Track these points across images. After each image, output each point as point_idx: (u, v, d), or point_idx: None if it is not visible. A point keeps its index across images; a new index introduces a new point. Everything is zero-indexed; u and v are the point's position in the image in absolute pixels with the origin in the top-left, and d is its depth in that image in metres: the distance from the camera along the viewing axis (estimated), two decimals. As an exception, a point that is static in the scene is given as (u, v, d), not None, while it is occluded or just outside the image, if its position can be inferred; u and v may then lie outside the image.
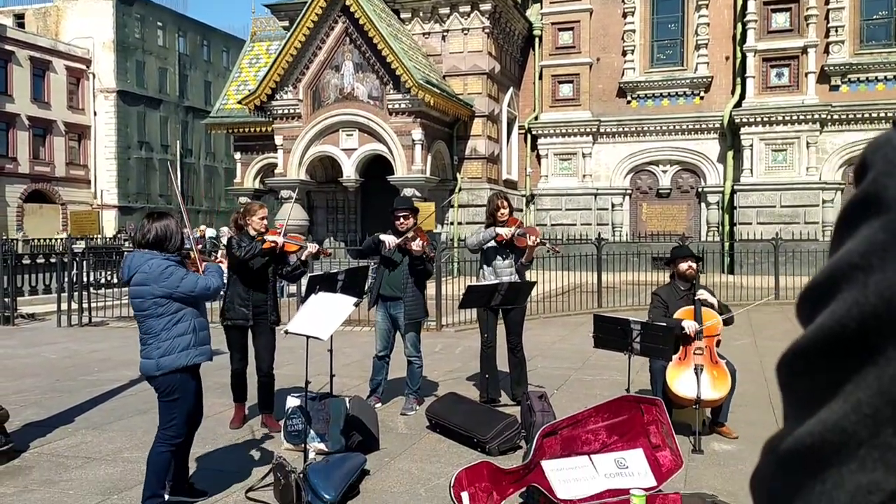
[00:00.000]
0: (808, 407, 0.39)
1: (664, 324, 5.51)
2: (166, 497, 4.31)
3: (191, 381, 4.31)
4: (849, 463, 0.36)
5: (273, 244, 5.89)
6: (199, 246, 5.23)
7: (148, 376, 4.27)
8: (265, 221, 6.14)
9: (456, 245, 15.60)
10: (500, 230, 6.65)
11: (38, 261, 16.50)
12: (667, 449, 4.31)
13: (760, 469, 0.43)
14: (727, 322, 5.89)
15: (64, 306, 12.73)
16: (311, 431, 5.23)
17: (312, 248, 6.16)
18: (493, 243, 6.74)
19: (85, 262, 13.23)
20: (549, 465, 4.12)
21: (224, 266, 5.04)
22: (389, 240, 6.49)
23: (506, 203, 6.85)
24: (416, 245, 6.30)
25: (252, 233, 6.02)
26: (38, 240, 29.05)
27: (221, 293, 4.94)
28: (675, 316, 5.74)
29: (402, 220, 6.54)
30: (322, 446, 5.28)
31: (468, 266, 14.57)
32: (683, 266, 5.98)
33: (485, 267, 6.83)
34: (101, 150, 42.61)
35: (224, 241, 5.75)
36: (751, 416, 6.28)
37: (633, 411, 4.40)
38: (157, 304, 4.15)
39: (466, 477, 3.86)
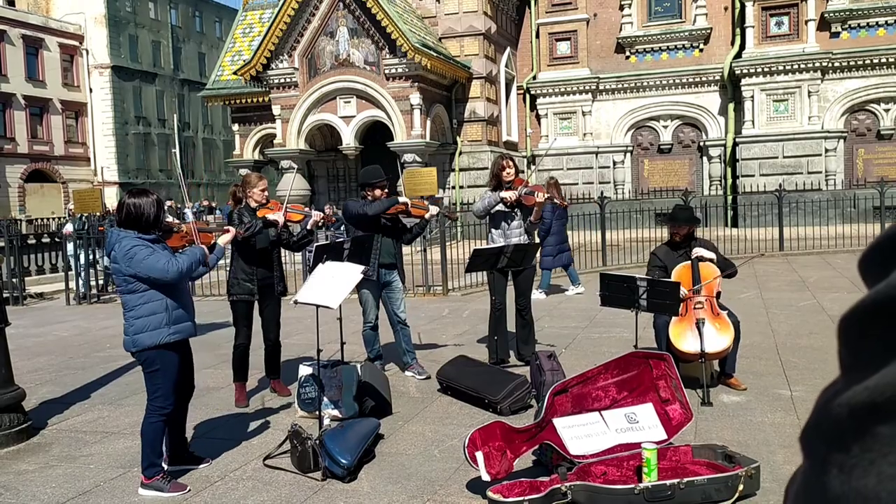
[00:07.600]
0: (882, 359, 0.39)
1: None
2: (165, 467, 4.39)
3: (170, 355, 4.31)
4: None
5: (275, 221, 5.77)
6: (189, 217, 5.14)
7: (128, 351, 4.39)
8: (266, 193, 5.98)
9: (458, 209, 15.57)
10: (504, 193, 6.60)
11: (44, 240, 16.56)
12: (676, 402, 4.36)
13: (820, 421, 0.43)
14: (729, 276, 5.91)
15: (72, 284, 12.81)
16: (325, 398, 5.30)
17: (316, 216, 6.08)
18: (500, 206, 6.72)
19: (90, 240, 13.26)
20: (560, 423, 4.18)
21: (228, 237, 5.00)
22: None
23: (511, 163, 6.80)
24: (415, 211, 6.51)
25: (253, 205, 5.86)
26: (41, 219, 29.09)
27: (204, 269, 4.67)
28: (673, 273, 5.76)
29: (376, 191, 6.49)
30: (336, 413, 5.35)
31: (472, 230, 14.57)
32: (675, 232, 5.98)
33: (493, 231, 6.78)
34: (99, 127, 42.43)
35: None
36: (758, 367, 6.35)
37: (641, 367, 4.44)
38: (126, 282, 4.22)
39: (480, 437, 3.91)
